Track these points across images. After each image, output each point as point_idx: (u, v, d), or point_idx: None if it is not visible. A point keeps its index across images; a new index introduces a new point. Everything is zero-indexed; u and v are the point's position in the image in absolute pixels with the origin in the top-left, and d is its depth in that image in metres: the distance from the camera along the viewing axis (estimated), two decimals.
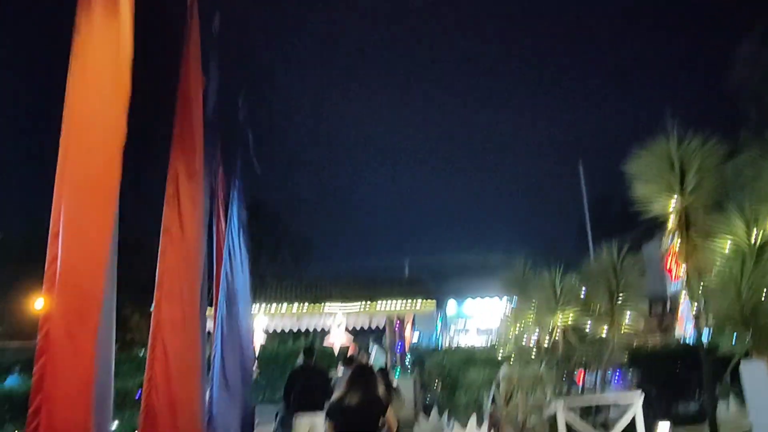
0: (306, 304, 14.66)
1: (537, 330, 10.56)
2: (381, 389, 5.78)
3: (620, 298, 9.59)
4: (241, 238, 10.97)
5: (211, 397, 10.02)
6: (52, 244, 4.11)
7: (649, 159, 8.31)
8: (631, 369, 14.43)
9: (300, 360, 10.23)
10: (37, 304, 20.48)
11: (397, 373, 15.38)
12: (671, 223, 8.00)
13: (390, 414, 5.71)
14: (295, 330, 16.52)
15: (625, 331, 9.73)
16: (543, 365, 9.69)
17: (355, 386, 5.54)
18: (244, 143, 9.64)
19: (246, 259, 10.91)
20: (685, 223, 7.92)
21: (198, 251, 6.13)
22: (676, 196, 8.09)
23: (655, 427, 9.33)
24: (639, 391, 9.63)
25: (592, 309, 9.79)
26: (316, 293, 15.29)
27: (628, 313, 9.87)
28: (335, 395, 5.79)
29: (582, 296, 9.94)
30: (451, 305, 44.68)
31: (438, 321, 44.09)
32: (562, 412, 9.22)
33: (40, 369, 3.96)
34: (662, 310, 26.35)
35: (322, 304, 14.87)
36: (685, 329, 25.23)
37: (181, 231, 5.81)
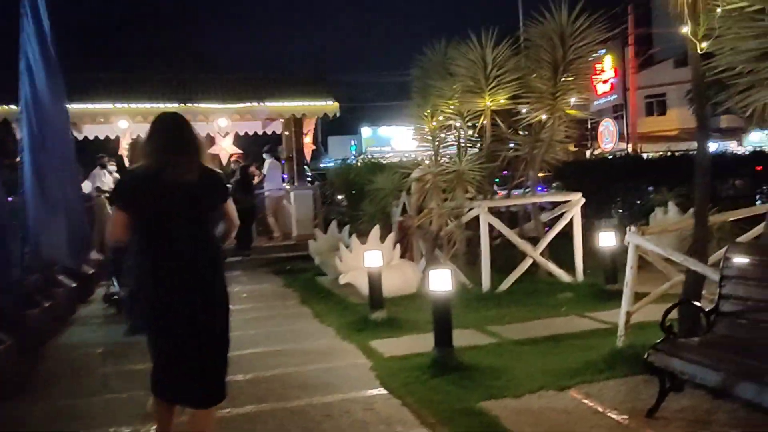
0: (177, 103, 11.72)
1: (459, 121, 8.41)
2: (211, 166, 3.44)
3: (566, 75, 7.45)
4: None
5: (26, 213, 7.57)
6: None
7: None
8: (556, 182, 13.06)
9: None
10: None
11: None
12: None
13: (231, 206, 3.47)
14: None
15: (568, 115, 7.75)
16: (464, 162, 7.69)
17: (167, 150, 3.16)
18: None
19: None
20: None
21: None
22: None
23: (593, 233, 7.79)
24: (578, 194, 7.94)
25: (529, 88, 7.63)
26: (192, 91, 12.35)
27: (573, 96, 7.81)
28: (133, 167, 3.30)
29: (519, 71, 7.70)
30: (366, 131, 42.72)
31: (351, 148, 42.30)
32: (485, 215, 7.41)
33: None
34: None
35: (200, 103, 12.01)
36: (604, 146, 24.52)
37: None
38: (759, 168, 15.85)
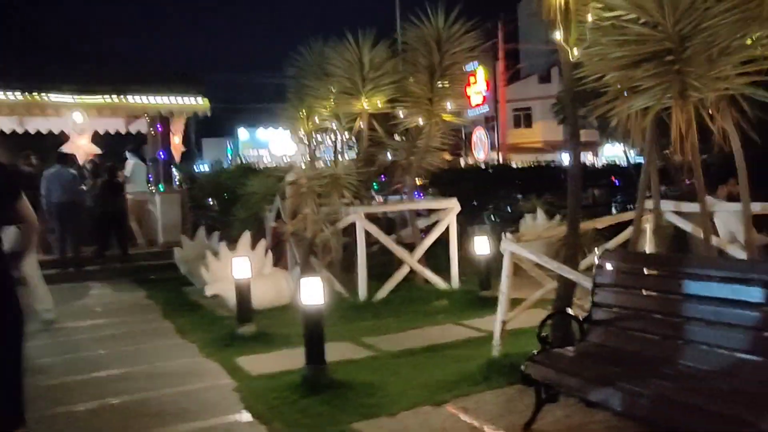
0: (19, 93, 10.36)
1: (335, 123, 8.13)
2: None
3: (442, 80, 7.42)
4: None
5: None
6: None
7: None
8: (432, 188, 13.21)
9: None
10: None
11: (161, 189, 12.36)
12: None
13: (24, 205, 2.97)
14: (20, 132, 12.30)
15: (444, 121, 7.72)
16: (340, 166, 7.43)
17: None
18: None
19: None
20: None
21: None
22: None
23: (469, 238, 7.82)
24: (455, 200, 7.93)
25: (406, 92, 7.51)
26: (40, 81, 10.98)
27: (449, 102, 7.79)
28: None
29: (396, 74, 7.56)
30: (243, 133, 41.38)
31: (227, 150, 40.87)
32: (362, 221, 7.19)
33: None
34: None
35: (49, 95, 10.76)
36: (477, 155, 25.40)
37: None
38: (614, 179, 17.14)
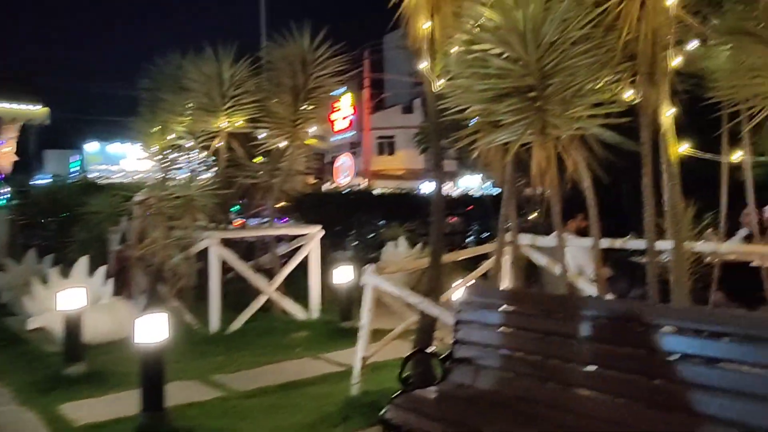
0: None
1: (192, 141, 7.60)
2: None
3: (306, 103, 7.19)
4: None
5: None
6: None
7: None
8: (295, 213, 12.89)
9: None
10: None
11: None
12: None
13: None
14: None
15: (308, 145, 7.49)
16: (195, 186, 6.92)
17: None
18: None
19: None
20: None
21: None
22: None
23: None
24: (318, 226, 7.68)
25: (269, 112, 7.19)
26: None
27: (313, 126, 7.57)
28: None
29: (259, 93, 7.22)
30: (92, 147, 38.36)
31: (73, 164, 37.70)
32: (216, 247, 6.71)
33: None
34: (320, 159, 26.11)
35: None
36: (341, 180, 25.48)
37: None
38: (470, 208, 17.88)
